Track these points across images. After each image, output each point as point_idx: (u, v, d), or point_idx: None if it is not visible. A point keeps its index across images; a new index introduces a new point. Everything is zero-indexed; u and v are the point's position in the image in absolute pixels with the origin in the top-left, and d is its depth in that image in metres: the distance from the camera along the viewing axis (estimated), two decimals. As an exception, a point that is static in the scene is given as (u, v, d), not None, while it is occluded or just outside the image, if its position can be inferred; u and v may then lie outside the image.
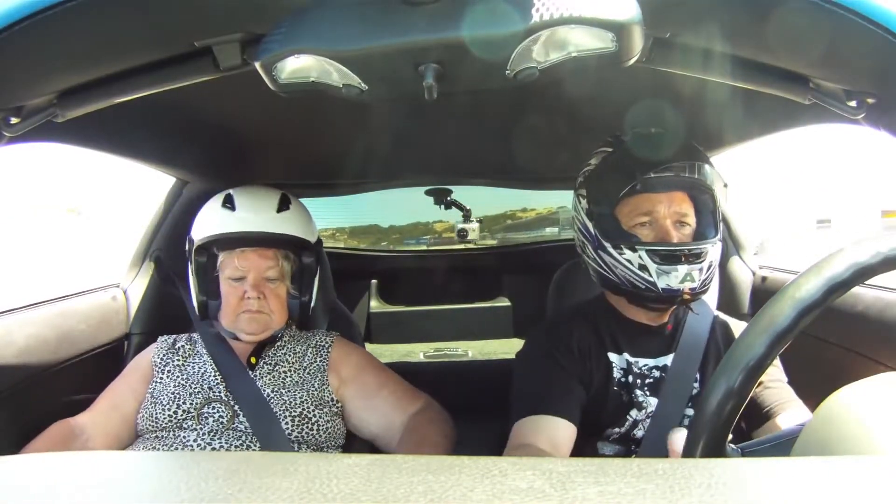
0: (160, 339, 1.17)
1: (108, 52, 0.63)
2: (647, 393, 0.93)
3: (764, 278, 1.43)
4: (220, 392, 1.05)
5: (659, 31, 0.63)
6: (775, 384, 0.92)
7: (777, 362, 0.94)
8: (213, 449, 0.98)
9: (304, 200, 1.68)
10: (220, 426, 1.01)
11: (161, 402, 1.04)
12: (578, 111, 1.12)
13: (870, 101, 0.66)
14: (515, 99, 1.09)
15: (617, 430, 0.93)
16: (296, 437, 1.02)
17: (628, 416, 0.93)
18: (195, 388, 1.05)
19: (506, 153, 1.46)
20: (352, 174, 1.67)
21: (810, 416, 0.45)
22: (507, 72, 0.57)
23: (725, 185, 0.93)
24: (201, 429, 1.00)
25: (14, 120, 0.66)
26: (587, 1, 0.50)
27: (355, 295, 2.14)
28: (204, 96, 0.84)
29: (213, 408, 1.02)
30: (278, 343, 1.14)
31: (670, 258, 0.87)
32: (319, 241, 1.22)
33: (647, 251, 0.87)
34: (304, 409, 1.04)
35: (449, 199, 2.06)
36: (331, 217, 2.41)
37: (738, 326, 1.02)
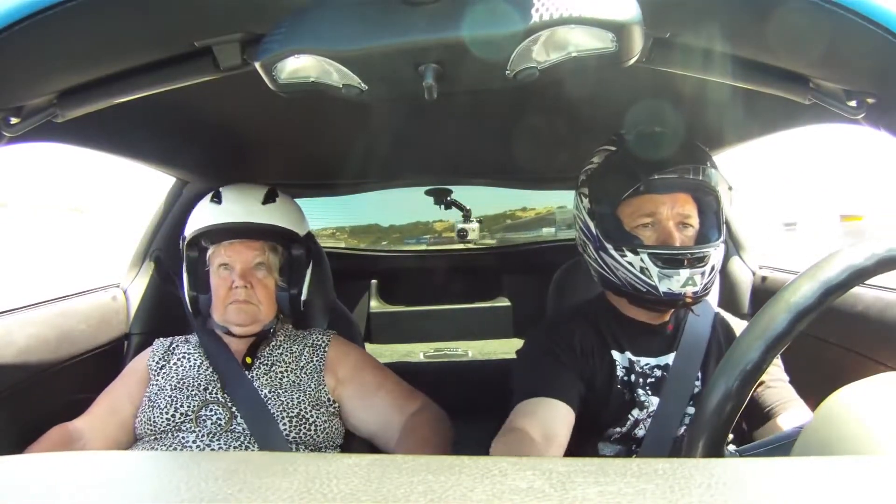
0: (156, 342, 1.17)
1: (108, 52, 0.63)
2: (649, 392, 0.93)
3: (764, 278, 1.43)
4: (217, 394, 1.05)
5: (659, 31, 0.63)
6: (776, 384, 0.91)
7: (778, 361, 0.94)
8: (212, 451, 0.98)
9: (304, 200, 1.68)
10: (218, 428, 1.01)
11: (158, 405, 1.03)
12: (578, 111, 1.12)
13: (870, 101, 0.66)
14: (515, 99, 1.09)
15: (618, 429, 0.93)
16: (294, 437, 1.02)
17: (630, 416, 0.93)
18: (192, 390, 1.05)
19: (506, 153, 1.46)
20: (352, 174, 1.67)
21: (811, 415, 0.45)
22: (507, 72, 0.57)
23: (730, 188, 0.92)
24: (199, 431, 1.00)
25: (14, 120, 0.66)
26: (587, 1, 0.50)
27: (355, 295, 2.15)
28: (204, 96, 0.84)
29: (211, 410, 1.02)
30: (273, 342, 1.14)
31: (672, 262, 0.86)
32: (311, 236, 1.22)
33: (649, 254, 0.86)
34: (301, 410, 1.04)
35: (449, 199, 2.06)
36: (331, 217, 2.42)
37: (739, 325, 1.01)
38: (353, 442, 1.12)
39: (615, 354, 0.95)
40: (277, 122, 1.19)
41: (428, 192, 2.03)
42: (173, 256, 1.22)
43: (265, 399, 1.04)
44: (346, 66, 0.56)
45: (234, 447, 0.99)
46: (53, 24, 0.55)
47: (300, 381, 1.09)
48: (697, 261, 0.86)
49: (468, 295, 2.21)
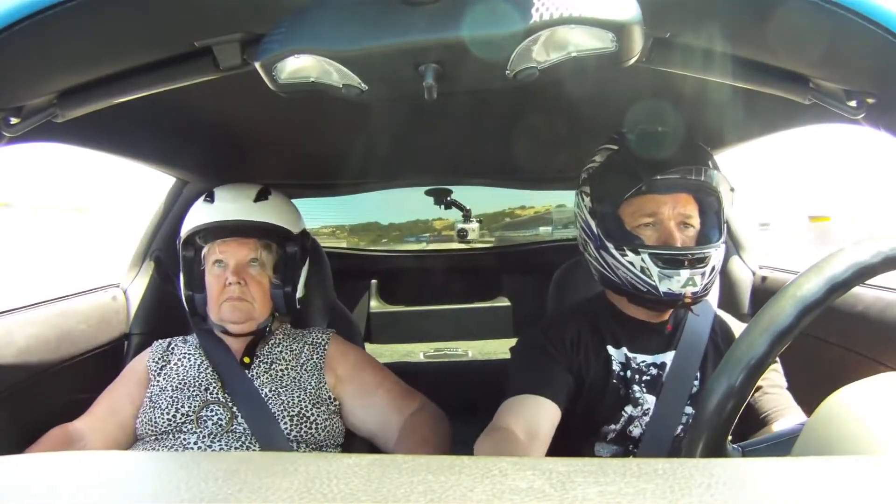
0: (155, 343, 1.17)
1: (108, 52, 0.63)
2: (644, 390, 0.93)
3: (764, 278, 1.43)
4: (217, 394, 1.05)
5: (659, 31, 0.63)
6: (774, 390, 0.91)
7: (778, 367, 0.94)
8: (212, 451, 0.98)
9: (304, 200, 1.68)
10: (220, 429, 1.01)
11: (160, 406, 1.03)
12: (578, 111, 1.12)
13: (870, 101, 0.66)
14: (515, 99, 1.09)
15: (613, 426, 0.93)
16: (295, 436, 1.02)
17: (624, 412, 0.93)
18: (192, 390, 1.05)
19: (506, 153, 1.46)
20: (352, 174, 1.67)
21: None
22: (507, 72, 0.57)
23: (732, 189, 0.92)
24: (201, 432, 1.00)
25: (14, 120, 0.66)
26: (587, 1, 0.50)
27: (355, 295, 2.15)
28: (204, 96, 0.84)
29: (212, 410, 1.03)
30: (272, 340, 1.14)
31: (673, 262, 0.86)
32: (306, 234, 1.22)
33: (649, 254, 0.86)
34: (302, 409, 1.04)
35: (449, 199, 2.06)
36: (331, 216, 2.42)
37: (738, 326, 1.01)
38: (354, 441, 1.13)
39: (611, 350, 0.95)
40: (277, 122, 1.19)
41: (428, 192, 2.03)
42: (173, 256, 1.22)
43: (266, 398, 1.04)
44: (346, 66, 0.56)
45: (236, 447, 0.99)
46: (53, 24, 0.55)
47: (300, 378, 1.09)
48: (698, 261, 0.86)
49: (468, 295, 2.21)
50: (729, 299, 1.47)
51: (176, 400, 1.04)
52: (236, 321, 1.08)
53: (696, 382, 0.94)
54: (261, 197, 1.13)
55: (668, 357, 0.95)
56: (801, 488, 0.29)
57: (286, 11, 0.56)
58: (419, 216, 2.49)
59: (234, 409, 1.02)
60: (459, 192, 2.08)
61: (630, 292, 0.91)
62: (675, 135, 0.92)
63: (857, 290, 1.08)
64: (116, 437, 1.05)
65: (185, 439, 1.00)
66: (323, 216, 2.38)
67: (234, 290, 1.07)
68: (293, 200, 1.25)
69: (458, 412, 1.13)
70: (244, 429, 1.01)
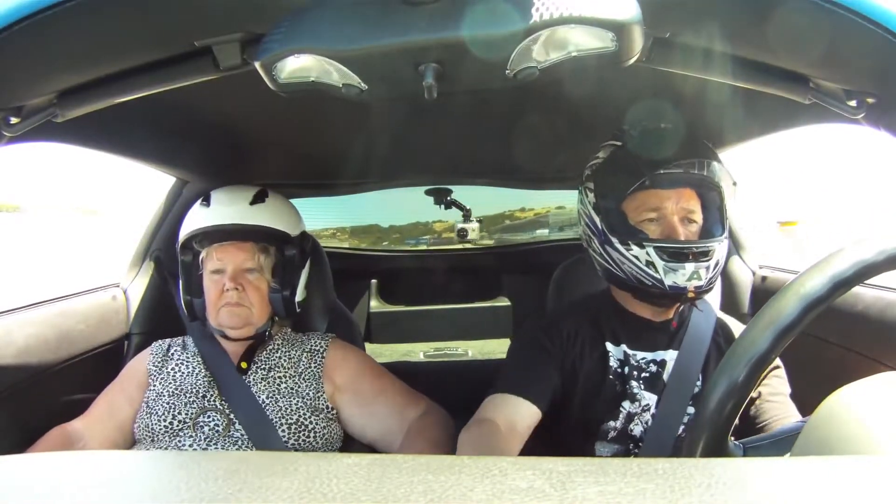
0: (154, 344, 1.16)
1: (108, 52, 0.63)
2: (643, 386, 0.94)
3: (764, 278, 1.43)
4: (214, 400, 1.04)
5: (659, 31, 0.63)
6: (775, 398, 0.91)
7: (782, 373, 0.94)
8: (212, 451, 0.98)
9: (304, 200, 1.67)
10: (216, 434, 1.00)
11: (156, 412, 1.03)
12: (578, 111, 1.12)
13: (870, 101, 0.66)
14: (515, 99, 1.09)
15: (612, 423, 0.93)
16: (292, 444, 1.01)
17: (621, 408, 0.93)
18: (190, 396, 1.05)
19: (506, 153, 1.46)
20: (352, 174, 1.67)
21: None
22: (507, 71, 0.57)
23: (735, 184, 0.93)
24: (197, 437, 1.00)
25: (14, 120, 0.66)
26: (587, 1, 0.50)
27: (355, 295, 2.14)
28: (204, 96, 0.84)
29: (209, 416, 1.02)
30: (271, 346, 1.13)
31: (678, 255, 0.87)
32: (305, 236, 1.21)
33: (654, 248, 0.87)
34: (300, 417, 1.03)
35: (449, 198, 2.06)
36: (331, 217, 2.42)
37: (739, 328, 1.02)
38: (353, 446, 1.12)
39: (609, 346, 0.96)
40: (277, 122, 1.19)
41: (428, 192, 2.02)
42: (173, 256, 1.22)
43: (263, 405, 1.03)
44: (346, 65, 0.56)
45: None
46: (53, 24, 0.55)
47: (298, 387, 1.08)
48: (702, 255, 0.87)
49: (468, 295, 2.21)
50: (729, 299, 1.47)
51: (173, 406, 1.03)
52: (234, 326, 1.08)
53: (699, 383, 0.94)
54: (257, 199, 1.12)
55: (668, 355, 0.95)
56: (801, 488, 0.29)
57: (286, 11, 0.56)
58: (419, 218, 2.49)
59: (231, 415, 1.02)
60: (459, 192, 2.08)
61: (635, 287, 0.91)
62: (678, 131, 0.92)
63: (858, 289, 1.08)
64: (115, 438, 1.05)
65: (180, 443, 1.00)
66: (324, 218, 2.38)
67: (231, 295, 1.06)
68: (293, 200, 1.24)
69: (458, 412, 1.12)
70: (241, 434, 1.00)
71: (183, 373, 1.09)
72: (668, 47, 0.65)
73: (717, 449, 0.47)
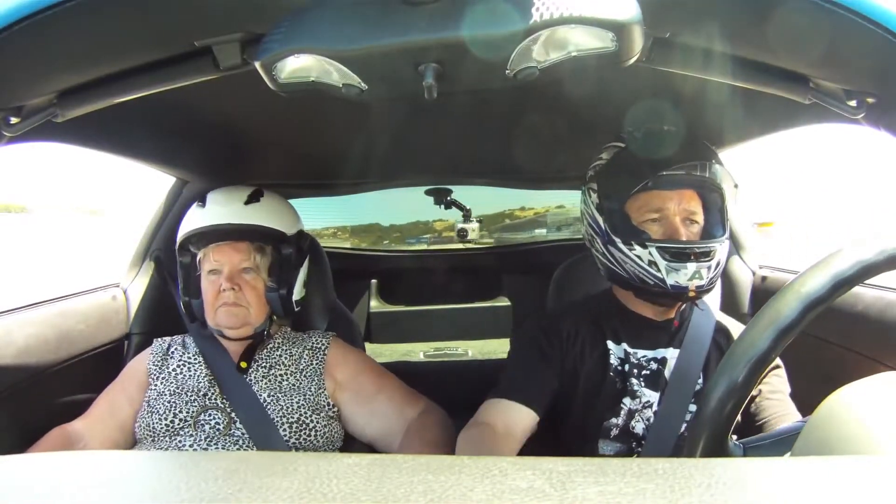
0: (154, 342, 1.17)
1: (108, 52, 0.63)
2: (643, 384, 0.94)
3: (764, 278, 1.43)
4: (215, 399, 1.04)
5: (659, 31, 0.63)
6: (775, 396, 0.91)
7: (782, 372, 0.95)
8: (212, 451, 0.98)
9: (305, 200, 1.67)
10: (217, 433, 1.00)
11: (157, 411, 1.03)
12: (578, 111, 1.12)
13: (870, 101, 0.66)
14: (515, 99, 1.09)
15: (614, 420, 0.94)
16: (293, 443, 1.02)
17: (622, 405, 0.94)
18: (191, 395, 1.05)
19: (506, 153, 1.46)
20: (352, 174, 1.67)
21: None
22: (507, 71, 0.57)
23: (736, 186, 0.94)
24: (197, 435, 1.00)
25: (14, 120, 0.66)
26: (587, 1, 0.50)
27: (355, 295, 2.14)
28: (204, 96, 0.84)
29: (210, 415, 1.02)
30: (271, 345, 1.14)
31: (680, 256, 0.88)
32: (302, 235, 1.21)
33: (657, 248, 0.88)
34: (301, 415, 1.04)
35: (449, 198, 2.06)
36: (332, 217, 2.42)
37: (738, 328, 1.02)
38: (353, 445, 1.12)
39: (610, 345, 0.97)
40: (277, 122, 1.19)
41: (428, 192, 2.02)
42: (173, 256, 1.22)
43: (264, 403, 1.03)
44: (346, 65, 0.56)
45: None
46: (53, 24, 0.55)
47: (300, 384, 1.08)
48: (704, 255, 0.88)
49: (468, 295, 2.21)
50: (729, 299, 1.47)
51: (174, 405, 1.03)
52: (232, 326, 1.08)
53: (700, 380, 0.95)
54: (252, 199, 1.12)
55: (668, 353, 0.96)
56: (801, 488, 0.29)
57: (286, 11, 0.56)
58: (420, 217, 2.50)
59: (233, 414, 1.02)
60: (459, 192, 2.08)
61: (637, 286, 0.92)
62: (680, 133, 0.94)
63: (858, 289, 1.08)
64: (115, 438, 1.05)
65: (181, 442, 1.00)
66: (324, 218, 2.38)
67: (228, 295, 1.06)
68: (293, 200, 1.24)
69: (458, 412, 1.12)
70: (242, 433, 1.00)
71: (184, 372, 1.09)
72: (668, 47, 0.65)
73: (717, 448, 0.47)
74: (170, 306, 1.31)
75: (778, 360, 0.93)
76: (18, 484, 0.31)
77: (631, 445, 0.94)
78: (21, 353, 1.07)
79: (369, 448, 1.11)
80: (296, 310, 1.16)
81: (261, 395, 1.04)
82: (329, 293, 1.40)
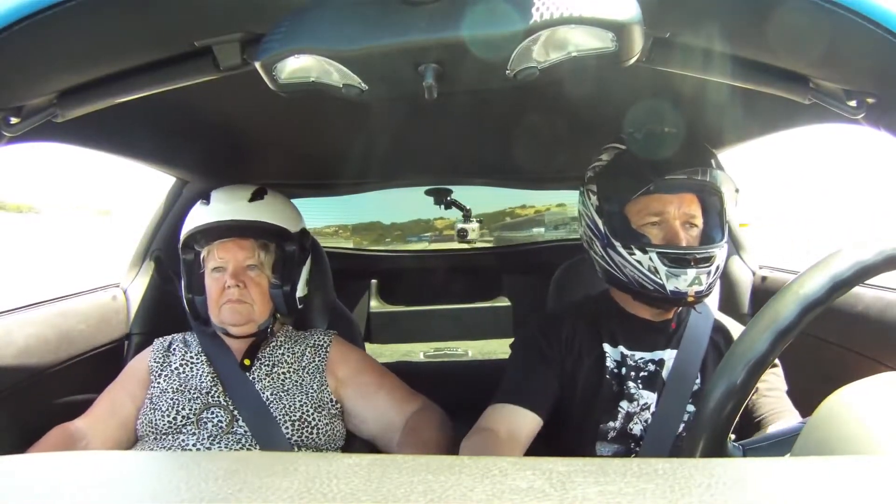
0: (156, 341, 1.17)
1: (108, 52, 0.63)
2: (640, 386, 0.94)
3: (764, 278, 1.43)
4: (218, 396, 1.05)
5: (659, 31, 0.63)
6: (772, 393, 0.91)
7: (779, 371, 0.94)
8: (212, 451, 0.98)
9: (307, 200, 1.67)
10: (220, 431, 1.01)
11: (160, 407, 1.03)
12: (578, 111, 1.12)
13: (870, 101, 0.66)
14: (515, 99, 1.09)
15: (612, 423, 0.94)
16: (296, 440, 1.02)
17: (619, 408, 0.94)
18: (193, 392, 1.05)
19: (506, 153, 1.46)
20: (352, 174, 1.67)
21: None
22: (507, 72, 0.57)
23: (737, 190, 0.93)
24: (200, 433, 1.00)
25: (14, 120, 0.66)
26: (587, 1, 0.50)
27: (355, 295, 2.14)
28: (204, 96, 0.84)
29: (213, 413, 1.03)
30: (274, 343, 1.14)
31: (680, 261, 0.87)
32: (305, 233, 1.22)
33: (657, 253, 0.88)
34: (303, 413, 1.04)
35: (449, 198, 2.06)
36: (333, 215, 2.42)
37: (736, 328, 1.02)
38: (355, 444, 1.12)
39: (607, 347, 0.96)
40: (277, 122, 1.19)
41: (428, 192, 2.02)
42: (173, 256, 1.22)
43: (267, 401, 1.04)
44: (346, 65, 0.56)
45: (235, 450, 0.99)
46: (53, 24, 0.55)
47: (302, 381, 1.08)
48: (704, 261, 0.88)
49: (468, 295, 2.21)
50: (729, 299, 1.47)
51: (176, 402, 1.04)
52: (236, 323, 1.08)
53: (698, 381, 0.94)
54: (256, 197, 1.13)
55: (666, 354, 0.96)
56: (801, 488, 0.29)
57: (286, 11, 0.56)
58: (420, 215, 2.50)
59: (235, 411, 1.02)
60: (459, 192, 2.08)
61: (636, 290, 0.92)
62: (682, 135, 0.93)
63: (857, 289, 1.08)
64: (117, 436, 1.05)
65: (183, 440, 1.00)
66: (325, 216, 2.38)
67: (233, 292, 1.07)
68: (294, 200, 1.25)
69: (458, 412, 1.12)
70: (245, 431, 1.01)
71: (187, 370, 1.10)
72: (668, 47, 0.65)
73: (716, 450, 0.47)
74: (170, 306, 1.31)
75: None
76: (18, 484, 0.31)
77: (629, 446, 0.94)
78: (21, 353, 1.07)
79: (370, 447, 1.12)
80: (299, 307, 1.17)
81: (263, 393, 1.04)
82: (329, 293, 1.40)
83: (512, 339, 1.08)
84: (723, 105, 0.96)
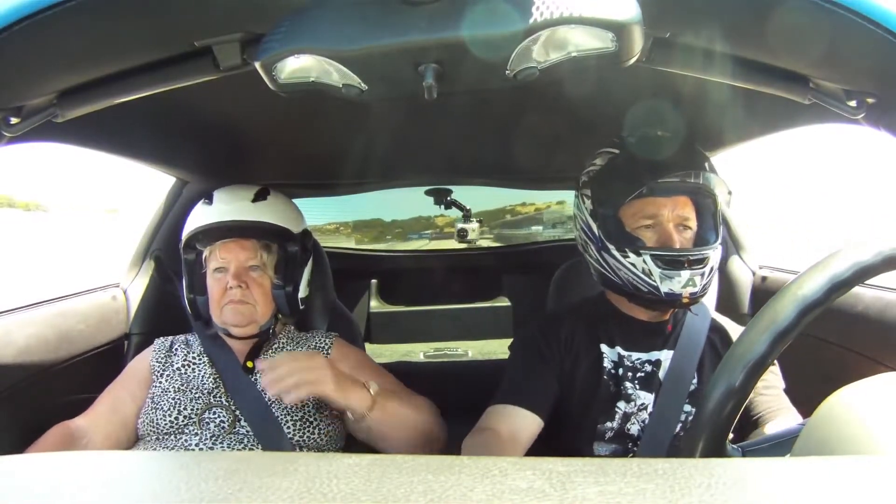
0: (157, 341, 1.17)
1: (108, 52, 0.63)
2: (637, 386, 0.95)
3: (764, 278, 1.43)
4: (220, 397, 1.04)
5: (659, 31, 0.63)
6: (770, 391, 0.92)
7: (776, 369, 0.95)
8: (213, 451, 0.98)
9: (307, 199, 1.67)
10: (222, 431, 1.01)
11: (162, 407, 1.03)
12: (578, 111, 1.12)
13: (870, 101, 0.66)
14: (515, 99, 1.09)
15: (609, 423, 0.94)
16: (298, 440, 1.02)
17: (617, 408, 0.94)
18: (195, 392, 1.05)
19: (506, 153, 1.46)
20: (352, 174, 1.67)
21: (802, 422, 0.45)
22: (507, 72, 0.57)
23: (730, 193, 0.94)
24: (202, 433, 1.00)
25: (14, 120, 0.66)
26: (587, 1, 0.50)
27: (355, 295, 2.14)
28: (204, 96, 0.84)
29: (215, 413, 1.02)
30: (276, 344, 1.14)
31: (674, 263, 0.88)
32: (307, 234, 1.22)
33: (651, 256, 0.88)
34: (305, 413, 1.04)
35: (449, 198, 2.06)
36: (334, 213, 2.42)
37: (733, 328, 1.03)
38: (355, 444, 1.12)
39: (604, 348, 0.97)
40: (277, 122, 1.19)
41: (428, 192, 2.02)
42: (173, 256, 1.22)
43: (269, 402, 1.04)
44: (346, 65, 0.56)
45: (238, 450, 0.99)
46: (53, 24, 0.55)
47: None
48: (697, 262, 0.88)
49: (468, 295, 2.21)
50: (729, 299, 1.47)
51: (178, 402, 1.04)
52: (238, 324, 1.08)
53: (695, 381, 0.95)
54: (259, 197, 1.13)
55: (662, 355, 0.96)
56: (801, 488, 0.29)
57: (286, 11, 0.56)
58: (421, 213, 2.50)
59: (237, 412, 1.02)
60: (459, 192, 2.08)
61: (631, 293, 0.92)
62: (675, 138, 0.94)
63: (857, 290, 1.08)
64: (118, 435, 1.05)
65: (186, 440, 1.00)
66: (326, 214, 2.39)
67: (235, 293, 1.07)
68: (294, 200, 1.25)
69: (458, 412, 1.12)
70: (247, 431, 1.01)
71: (188, 370, 1.10)
72: (668, 47, 0.65)
73: (715, 451, 0.47)
74: (170, 306, 1.31)
75: None
76: (18, 484, 0.31)
77: (626, 447, 0.94)
78: (21, 353, 1.07)
79: (370, 448, 1.12)
80: (301, 308, 1.17)
81: (265, 394, 1.04)
82: (329, 293, 1.40)
83: (511, 340, 1.09)
84: (723, 105, 0.97)
